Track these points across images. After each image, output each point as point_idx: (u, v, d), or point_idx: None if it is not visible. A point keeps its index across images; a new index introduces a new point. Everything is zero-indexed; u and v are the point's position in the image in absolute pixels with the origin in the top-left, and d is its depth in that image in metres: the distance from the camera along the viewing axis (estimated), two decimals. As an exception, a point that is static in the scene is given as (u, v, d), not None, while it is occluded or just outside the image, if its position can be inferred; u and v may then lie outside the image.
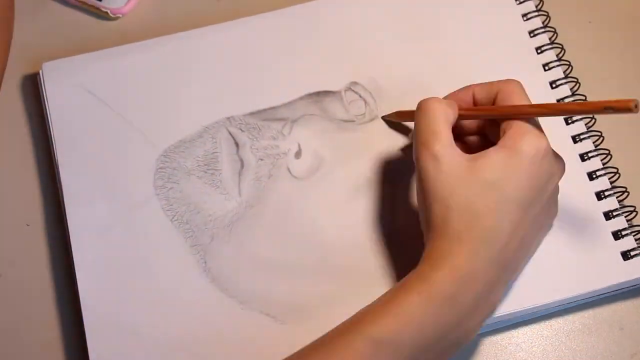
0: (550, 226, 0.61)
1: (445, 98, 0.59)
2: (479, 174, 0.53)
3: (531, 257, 0.60)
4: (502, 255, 0.53)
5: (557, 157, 0.56)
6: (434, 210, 0.53)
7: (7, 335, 0.62)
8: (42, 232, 0.65)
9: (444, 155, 0.54)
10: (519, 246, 0.55)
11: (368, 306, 0.52)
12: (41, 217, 0.65)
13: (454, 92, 0.60)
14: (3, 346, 0.62)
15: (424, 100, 0.56)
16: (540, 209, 0.56)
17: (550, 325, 0.62)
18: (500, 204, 0.53)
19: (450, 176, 0.53)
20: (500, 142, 0.54)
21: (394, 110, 0.65)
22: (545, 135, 0.55)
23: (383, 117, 0.66)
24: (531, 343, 0.62)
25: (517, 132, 0.54)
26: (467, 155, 0.54)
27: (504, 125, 0.55)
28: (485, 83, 0.59)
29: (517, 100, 0.56)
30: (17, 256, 0.64)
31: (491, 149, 0.54)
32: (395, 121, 0.65)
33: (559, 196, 0.62)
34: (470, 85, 0.59)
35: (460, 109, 0.57)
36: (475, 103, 0.59)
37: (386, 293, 0.53)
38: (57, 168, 0.64)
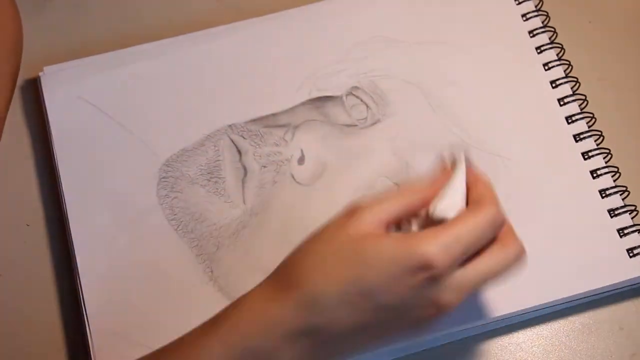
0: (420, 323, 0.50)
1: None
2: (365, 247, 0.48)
3: (377, 344, 0.53)
4: (323, 326, 0.48)
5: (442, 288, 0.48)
6: (299, 250, 0.50)
7: (7, 335, 0.62)
8: (42, 232, 0.64)
9: (364, 220, 0.48)
10: (349, 330, 0.49)
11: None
12: (41, 217, 0.65)
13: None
14: (3, 346, 0.62)
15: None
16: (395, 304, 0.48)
17: (550, 325, 0.63)
18: (349, 286, 0.47)
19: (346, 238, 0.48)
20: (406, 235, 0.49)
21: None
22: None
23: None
24: (531, 343, 0.63)
25: (424, 234, 0.48)
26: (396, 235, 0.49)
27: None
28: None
29: None
30: (17, 256, 0.64)
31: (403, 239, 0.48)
32: None
33: (560, 196, 0.63)
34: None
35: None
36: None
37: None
38: (58, 174, 0.63)
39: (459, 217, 0.49)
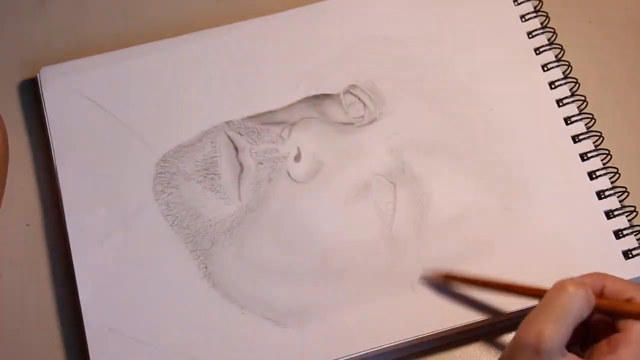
0: None
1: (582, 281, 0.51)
2: None
3: None
4: None
5: None
6: None
7: (6, 335, 0.62)
8: (42, 232, 0.65)
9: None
10: None
11: None
12: (41, 217, 0.65)
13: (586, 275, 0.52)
14: (3, 346, 0.62)
15: (565, 282, 0.49)
16: None
17: (550, 326, 0.63)
18: None
19: None
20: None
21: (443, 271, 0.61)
22: None
23: (424, 277, 0.61)
24: (531, 343, 0.62)
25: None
26: None
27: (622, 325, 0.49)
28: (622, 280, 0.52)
29: None
30: (17, 256, 0.64)
31: None
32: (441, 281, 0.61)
33: (557, 197, 0.63)
34: (603, 274, 0.53)
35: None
36: (601, 295, 0.51)
37: None
38: (56, 173, 0.64)
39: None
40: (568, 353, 0.47)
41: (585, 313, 0.48)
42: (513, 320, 0.61)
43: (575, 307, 0.47)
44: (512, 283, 0.56)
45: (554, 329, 0.46)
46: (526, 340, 0.46)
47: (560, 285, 0.48)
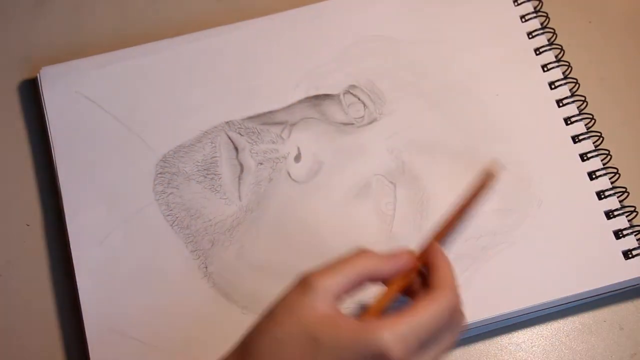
0: None
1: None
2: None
3: None
4: None
5: None
6: (257, 329, 0.49)
7: (6, 335, 0.62)
8: (42, 232, 0.65)
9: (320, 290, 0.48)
10: None
11: None
12: (41, 217, 0.65)
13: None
14: (2, 346, 0.62)
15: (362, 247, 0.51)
16: None
17: (550, 325, 0.63)
18: None
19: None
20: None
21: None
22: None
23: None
24: (531, 343, 0.62)
25: (382, 323, 0.47)
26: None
27: None
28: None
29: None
30: (17, 256, 0.64)
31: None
32: None
33: (557, 197, 0.63)
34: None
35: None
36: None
37: None
38: (56, 173, 0.64)
39: (419, 304, 0.48)
40: (346, 305, 0.49)
41: (371, 273, 0.49)
42: (513, 320, 0.62)
43: (359, 263, 0.49)
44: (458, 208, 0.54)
45: (328, 272, 0.48)
46: (303, 273, 0.49)
47: (359, 248, 0.50)
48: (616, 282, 0.62)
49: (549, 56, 0.68)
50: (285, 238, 0.62)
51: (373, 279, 0.50)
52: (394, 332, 0.46)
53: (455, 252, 0.62)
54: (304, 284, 0.48)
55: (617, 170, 0.65)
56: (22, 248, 0.64)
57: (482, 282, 0.61)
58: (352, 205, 0.63)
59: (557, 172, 0.65)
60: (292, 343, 0.47)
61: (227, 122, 0.65)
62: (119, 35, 0.70)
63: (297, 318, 0.47)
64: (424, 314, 0.47)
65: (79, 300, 0.61)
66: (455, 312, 0.49)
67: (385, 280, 0.51)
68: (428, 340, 0.47)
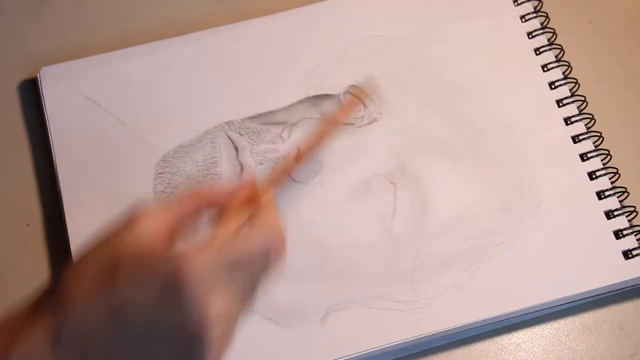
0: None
1: None
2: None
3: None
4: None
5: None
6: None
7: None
8: (42, 232, 0.65)
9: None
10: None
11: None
12: (41, 217, 0.65)
13: None
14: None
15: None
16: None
17: (550, 325, 0.63)
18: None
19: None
20: None
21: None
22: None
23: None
24: (531, 343, 0.62)
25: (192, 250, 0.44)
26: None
27: None
28: None
29: None
30: (17, 256, 0.64)
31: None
32: None
33: (557, 197, 0.63)
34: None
35: None
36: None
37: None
38: (56, 173, 0.64)
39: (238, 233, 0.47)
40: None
41: (203, 194, 0.48)
42: (513, 320, 0.62)
43: (189, 190, 0.48)
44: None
45: (158, 208, 0.46)
46: (133, 207, 0.46)
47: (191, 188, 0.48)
48: (616, 282, 0.62)
49: (549, 56, 0.68)
50: (284, 238, 0.62)
51: (208, 202, 0.48)
52: (193, 255, 0.43)
53: (455, 252, 0.62)
54: (132, 216, 0.45)
55: (617, 171, 0.65)
56: (22, 248, 0.64)
57: (482, 282, 0.61)
58: (352, 205, 0.63)
59: (557, 172, 0.65)
60: (96, 268, 0.43)
61: (227, 122, 0.65)
62: (119, 35, 0.70)
63: (117, 245, 0.44)
64: (238, 242, 0.45)
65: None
66: (268, 245, 0.47)
67: (222, 207, 0.49)
68: (233, 266, 0.45)
